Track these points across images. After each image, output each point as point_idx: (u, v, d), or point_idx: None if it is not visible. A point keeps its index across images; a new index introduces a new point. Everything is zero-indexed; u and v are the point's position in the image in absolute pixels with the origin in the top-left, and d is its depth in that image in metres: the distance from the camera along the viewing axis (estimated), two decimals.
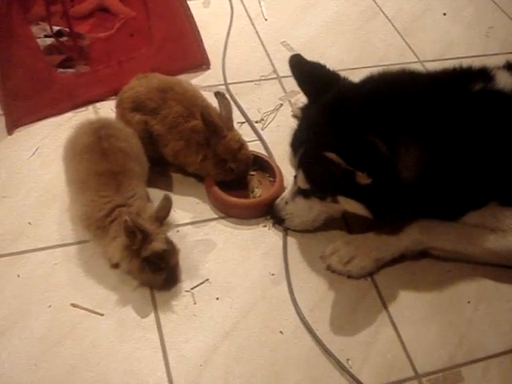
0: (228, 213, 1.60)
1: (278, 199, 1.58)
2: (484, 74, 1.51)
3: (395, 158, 1.37)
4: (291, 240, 1.57)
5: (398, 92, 1.45)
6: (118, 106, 1.66)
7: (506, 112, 1.46)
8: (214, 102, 1.63)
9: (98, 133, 1.48)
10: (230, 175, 1.59)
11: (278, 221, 1.58)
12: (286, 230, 1.58)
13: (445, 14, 2.41)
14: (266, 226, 1.60)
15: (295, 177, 1.54)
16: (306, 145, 1.47)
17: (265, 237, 1.57)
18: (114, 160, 1.44)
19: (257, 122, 1.86)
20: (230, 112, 1.60)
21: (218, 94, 1.61)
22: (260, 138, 1.80)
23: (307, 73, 1.56)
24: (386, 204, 1.42)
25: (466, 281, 1.54)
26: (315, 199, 1.50)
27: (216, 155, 1.56)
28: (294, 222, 1.56)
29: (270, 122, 1.86)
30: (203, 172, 1.62)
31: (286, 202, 1.55)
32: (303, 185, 1.49)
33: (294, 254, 1.55)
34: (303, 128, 1.53)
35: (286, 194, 1.57)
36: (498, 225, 1.51)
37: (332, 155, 1.33)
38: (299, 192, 1.53)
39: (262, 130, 1.84)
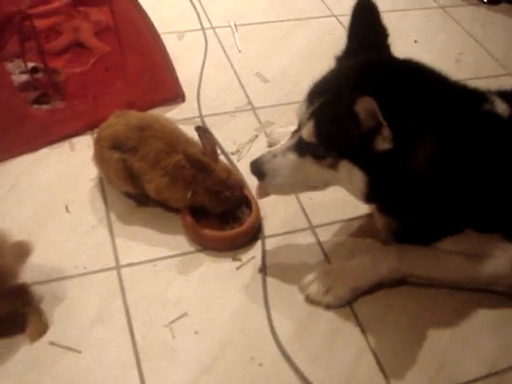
0: (204, 246, 1.60)
1: (265, 153, 1.45)
2: (487, 97, 1.49)
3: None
4: (270, 271, 1.56)
5: (431, 87, 1.38)
6: (96, 144, 1.67)
7: (503, 136, 1.45)
8: (192, 135, 1.64)
9: None
10: (228, 204, 1.60)
11: (259, 175, 1.45)
12: (265, 260, 1.58)
13: (416, 42, 2.46)
14: (239, 260, 1.59)
15: (295, 132, 1.43)
16: (328, 94, 1.36)
17: (243, 268, 1.57)
18: None
19: (232, 154, 1.86)
20: (214, 145, 1.60)
21: (199, 129, 1.61)
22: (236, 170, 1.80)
23: (363, 21, 1.45)
24: (383, 186, 1.35)
25: (445, 305, 1.54)
26: (309, 160, 1.39)
27: (207, 189, 1.56)
28: (274, 181, 1.43)
29: (245, 154, 1.87)
30: (194, 205, 1.61)
31: (275, 156, 1.42)
32: (308, 137, 1.37)
33: (273, 285, 1.54)
34: (329, 78, 1.41)
35: (276, 147, 1.45)
36: (474, 250, 1.52)
37: (368, 100, 1.22)
38: (295, 148, 1.41)
39: (238, 161, 1.84)
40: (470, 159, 1.39)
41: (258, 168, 1.44)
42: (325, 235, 1.66)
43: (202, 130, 1.61)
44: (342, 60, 1.46)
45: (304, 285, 1.52)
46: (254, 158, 1.47)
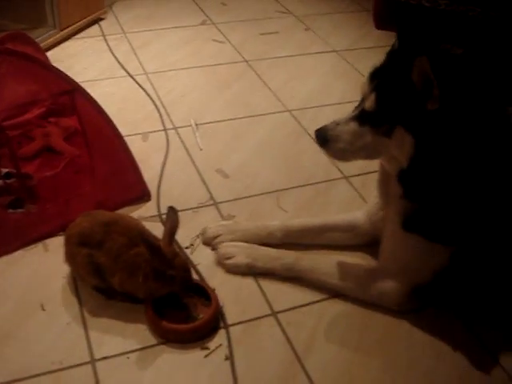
0: (166, 338, 1.66)
1: (329, 122, 1.63)
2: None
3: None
4: (237, 357, 1.63)
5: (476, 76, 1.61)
6: (65, 242, 1.76)
7: None
8: (158, 232, 1.73)
9: None
10: (174, 284, 1.65)
11: (322, 141, 1.63)
12: (231, 348, 1.65)
13: None
14: (207, 349, 1.66)
15: (356, 107, 1.63)
16: (388, 71, 1.57)
17: (211, 356, 1.63)
18: None
19: (186, 248, 1.95)
20: (174, 227, 1.69)
21: (170, 209, 1.71)
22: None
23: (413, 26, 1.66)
24: (427, 151, 1.51)
25: None
26: (368, 128, 1.58)
27: (154, 269, 1.63)
28: (336, 146, 1.62)
29: (195, 247, 1.97)
30: (151, 294, 1.68)
31: (338, 124, 1.61)
32: (370, 106, 1.56)
33: (241, 371, 1.60)
34: (387, 63, 1.62)
35: (340, 118, 1.63)
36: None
37: (423, 59, 1.41)
38: (356, 118, 1.60)
39: (191, 254, 1.93)
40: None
41: (322, 134, 1.63)
42: (287, 320, 1.75)
43: (172, 211, 1.71)
44: (395, 52, 1.64)
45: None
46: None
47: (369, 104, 1.58)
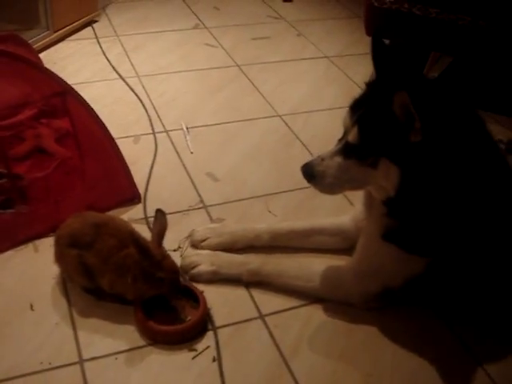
0: (154, 340, 1.68)
1: (314, 158, 1.64)
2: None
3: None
4: (225, 359, 1.65)
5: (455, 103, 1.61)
6: (55, 243, 1.78)
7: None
8: (147, 235, 1.76)
9: None
10: (162, 286, 1.67)
11: (309, 177, 1.63)
12: (219, 350, 1.67)
13: None
14: (195, 350, 1.67)
15: (340, 139, 1.63)
16: (369, 103, 1.57)
17: (199, 357, 1.65)
18: None
19: (175, 250, 1.96)
20: (163, 230, 1.72)
21: (158, 211, 1.74)
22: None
23: (389, 55, 1.64)
24: (412, 181, 1.52)
25: None
26: (353, 161, 1.58)
27: (143, 271, 1.65)
28: (324, 181, 1.62)
29: (185, 249, 1.98)
30: (140, 296, 1.70)
31: (323, 159, 1.61)
32: (354, 140, 1.56)
33: (228, 373, 1.62)
34: (367, 94, 1.62)
35: (324, 153, 1.63)
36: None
37: (402, 94, 1.42)
38: (340, 152, 1.60)
39: (181, 256, 1.93)
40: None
41: (308, 170, 1.64)
42: (274, 323, 1.77)
43: (160, 213, 1.74)
44: (373, 84, 1.65)
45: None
46: None
47: (352, 137, 1.58)
